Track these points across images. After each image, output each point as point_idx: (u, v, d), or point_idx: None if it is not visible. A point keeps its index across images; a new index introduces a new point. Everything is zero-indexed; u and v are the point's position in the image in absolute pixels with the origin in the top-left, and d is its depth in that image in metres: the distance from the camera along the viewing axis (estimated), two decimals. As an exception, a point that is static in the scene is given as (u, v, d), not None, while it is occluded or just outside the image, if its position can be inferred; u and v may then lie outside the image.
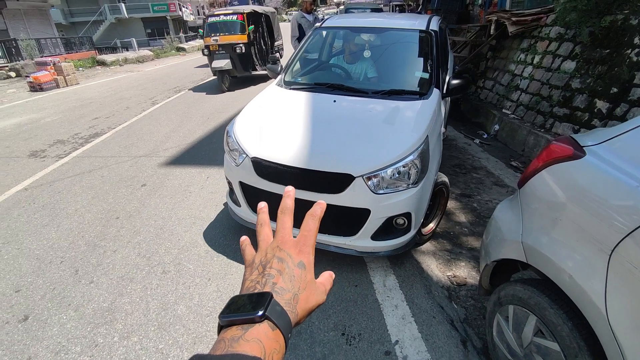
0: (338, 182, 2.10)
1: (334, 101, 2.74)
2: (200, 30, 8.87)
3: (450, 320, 2.05)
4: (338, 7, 26.77)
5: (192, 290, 2.29)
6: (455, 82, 2.98)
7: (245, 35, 8.12)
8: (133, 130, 5.42)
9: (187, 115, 6.44)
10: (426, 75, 3.00)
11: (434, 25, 3.44)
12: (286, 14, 56.70)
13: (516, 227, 1.52)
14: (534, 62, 5.09)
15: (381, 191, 2.10)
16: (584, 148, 1.29)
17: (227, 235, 2.85)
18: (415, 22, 3.48)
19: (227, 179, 2.60)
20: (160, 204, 3.35)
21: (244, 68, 8.42)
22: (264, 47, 9.16)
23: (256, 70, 8.75)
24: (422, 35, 3.33)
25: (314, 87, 3.01)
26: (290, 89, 3.03)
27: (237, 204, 2.55)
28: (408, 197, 2.13)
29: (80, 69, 14.18)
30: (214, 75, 8.55)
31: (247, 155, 2.31)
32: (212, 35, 8.10)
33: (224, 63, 7.87)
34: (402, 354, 1.84)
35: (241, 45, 7.96)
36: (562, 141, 1.40)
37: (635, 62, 3.61)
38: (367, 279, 2.36)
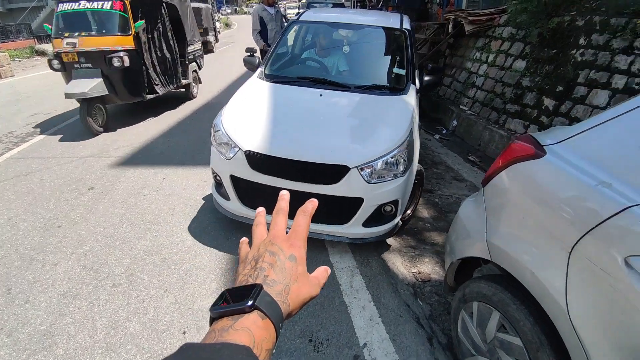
0: (334, 173, 2.22)
1: (321, 95, 2.82)
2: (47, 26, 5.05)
3: (416, 317, 2.06)
4: (300, 1, 26.41)
5: (146, 303, 2.11)
6: (428, 78, 3.20)
7: (130, 37, 4.76)
8: (79, 128, 4.94)
9: (141, 115, 6.02)
10: (403, 72, 3.16)
11: (407, 24, 3.56)
12: (247, 7, 55.33)
13: (480, 226, 1.53)
14: (489, 60, 5.31)
15: (374, 181, 2.24)
16: (544, 147, 1.31)
17: (185, 241, 2.67)
18: (390, 20, 3.61)
19: (213, 172, 2.59)
20: (110, 209, 3.08)
21: (131, 91, 5.03)
22: (167, 56, 5.69)
23: (155, 92, 5.37)
24: (396, 33, 3.48)
25: (298, 81, 3.07)
26: (273, 82, 3.05)
27: (226, 197, 2.54)
28: (397, 185, 2.30)
29: (17, 59, 12.85)
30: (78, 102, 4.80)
31: (239, 148, 2.33)
32: (67, 35, 4.63)
33: (88, 86, 4.51)
34: (370, 356, 1.81)
35: (121, 54, 4.62)
36: (523, 140, 1.42)
37: (579, 62, 3.86)
38: (334, 281, 2.31)
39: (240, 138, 2.38)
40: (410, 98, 2.86)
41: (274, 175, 2.29)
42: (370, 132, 2.45)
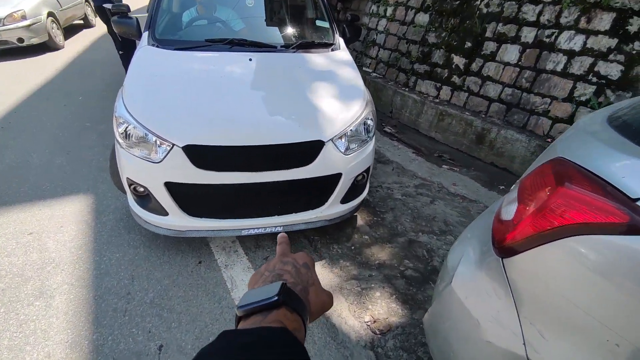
0: (306, 151, 1.89)
1: (250, 60, 2.31)
2: None
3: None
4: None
5: None
6: (348, 30, 2.95)
7: None
8: None
9: None
10: (326, 24, 2.89)
11: None
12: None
13: (508, 325, 0.90)
14: (387, 14, 4.74)
15: (349, 152, 2.00)
16: (637, 204, 0.68)
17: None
18: None
19: (131, 183, 1.90)
20: None
21: None
22: None
23: None
24: None
25: (207, 45, 2.42)
26: (175, 49, 2.34)
27: (161, 212, 1.91)
28: (370, 151, 2.13)
29: None
30: None
31: (172, 144, 1.74)
32: None
33: None
34: None
35: None
36: (586, 185, 0.78)
37: (485, 14, 3.52)
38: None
39: (170, 130, 1.77)
40: (346, 52, 2.68)
41: (229, 170, 1.79)
42: (329, 97, 2.13)
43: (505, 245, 0.97)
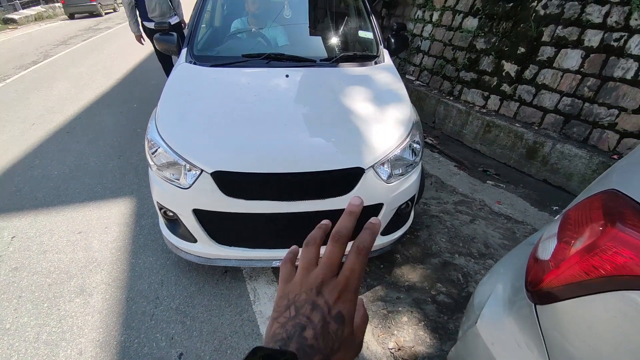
0: (344, 180, 1.72)
1: (287, 76, 2.18)
2: None
3: None
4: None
5: None
6: (394, 40, 2.66)
7: None
8: None
9: (0, 121, 4.44)
10: (370, 35, 2.69)
11: None
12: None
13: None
14: (433, 19, 4.55)
15: (392, 179, 1.80)
16: None
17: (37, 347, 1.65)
18: None
19: (162, 208, 1.86)
20: None
21: None
22: None
23: None
24: None
25: (245, 61, 2.34)
26: (211, 66, 2.29)
27: (190, 239, 1.85)
28: (416, 178, 1.92)
29: None
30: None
31: (201, 170, 1.65)
32: None
33: None
34: None
35: None
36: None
37: (542, 16, 3.23)
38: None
39: (199, 154, 1.69)
40: (391, 66, 2.47)
41: (259, 199, 1.67)
42: (371, 118, 1.93)
43: (540, 289, 0.83)
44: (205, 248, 1.85)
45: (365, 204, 1.44)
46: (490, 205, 2.72)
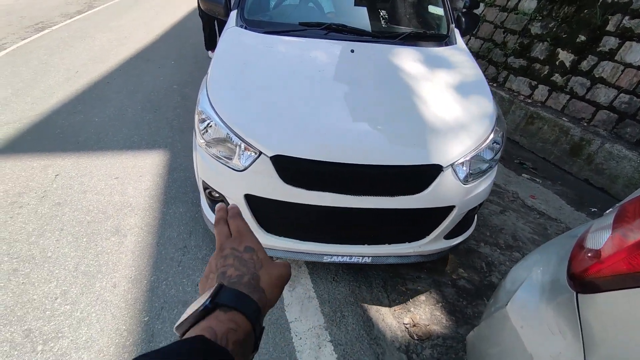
0: (419, 177, 1.54)
1: (352, 51, 1.98)
2: None
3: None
4: None
5: None
6: (465, 19, 2.42)
7: None
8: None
9: (45, 68, 4.61)
10: (441, 11, 2.42)
11: None
12: None
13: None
14: (487, -2, 4.27)
15: (469, 180, 1.60)
16: None
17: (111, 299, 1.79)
18: None
19: (206, 187, 1.71)
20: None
21: None
22: None
23: None
24: None
25: (302, 30, 2.12)
26: (265, 32, 2.09)
27: None
28: (491, 180, 1.73)
29: None
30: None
31: (260, 152, 1.48)
32: None
33: None
34: None
35: None
36: None
37: (609, 3, 2.96)
38: (292, 354, 1.56)
39: (258, 134, 1.50)
40: (465, 48, 2.22)
41: (322, 190, 1.49)
42: (450, 109, 1.71)
43: (585, 278, 0.81)
44: None
45: (435, 206, 1.52)
46: (523, 198, 2.63)
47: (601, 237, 0.83)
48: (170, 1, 8.58)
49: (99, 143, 2.96)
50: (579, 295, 0.81)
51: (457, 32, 2.33)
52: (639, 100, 2.70)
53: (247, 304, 0.36)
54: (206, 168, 1.65)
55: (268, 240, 1.67)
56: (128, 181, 2.53)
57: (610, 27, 2.95)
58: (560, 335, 0.83)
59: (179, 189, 2.47)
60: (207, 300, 0.34)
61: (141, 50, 5.36)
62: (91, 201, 2.32)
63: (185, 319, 0.34)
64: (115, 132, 3.13)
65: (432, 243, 1.72)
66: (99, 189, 2.43)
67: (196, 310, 0.33)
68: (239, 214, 0.49)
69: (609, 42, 2.94)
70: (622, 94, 2.81)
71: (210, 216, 1.78)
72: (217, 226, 0.47)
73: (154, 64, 4.81)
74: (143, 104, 3.69)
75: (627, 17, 2.84)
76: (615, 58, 2.89)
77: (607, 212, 0.97)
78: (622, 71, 2.83)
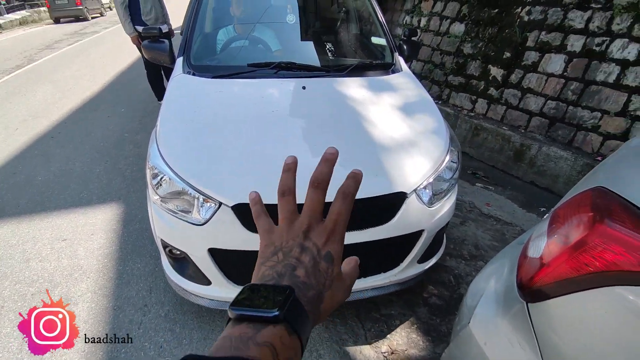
0: (386, 206, 1.54)
1: (304, 88, 1.96)
2: None
3: None
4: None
5: None
6: (407, 46, 2.51)
7: None
8: None
9: (-20, 128, 4.32)
10: (383, 41, 2.48)
11: None
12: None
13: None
14: (421, 25, 4.62)
15: (434, 202, 1.63)
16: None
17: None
18: None
19: (167, 247, 1.59)
20: None
21: None
22: None
23: None
24: None
25: (251, 71, 2.09)
26: (213, 77, 2.04)
27: (202, 281, 1.59)
28: (454, 198, 1.77)
29: None
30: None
31: (220, 203, 1.41)
32: None
33: None
34: None
35: None
36: (622, 220, 0.66)
37: (526, 22, 3.31)
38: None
39: (216, 184, 1.45)
40: (410, 74, 2.29)
41: None
42: (405, 135, 1.75)
43: (531, 287, 0.84)
44: (221, 291, 1.58)
45: (404, 233, 1.34)
46: (479, 207, 2.75)
47: (539, 244, 0.88)
48: (114, 51, 8.46)
49: (42, 204, 2.75)
50: (529, 304, 0.84)
51: (400, 59, 2.41)
52: (565, 105, 2.98)
53: (306, 329, 0.31)
54: (163, 225, 1.55)
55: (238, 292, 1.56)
56: (78, 242, 2.35)
57: (530, 43, 3.28)
58: (520, 348, 0.85)
59: (136, 243, 2.33)
60: (278, 311, 0.29)
61: (88, 101, 5.19)
62: (35, 270, 2.12)
63: (246, 312, 0.29)
64: (61, 190, 2.94)
65: (407, 269, 1.72)
66: (43, 255, 2.24)
67: (263, 313, 0.29)
68: (348, 193, 0.39)
69: (531, 56, 3.26)
70: (549, 101, 3.09)
71: (175, 278, 1.66)
72: (258, 220, 0.41)
73: (103, 113, 4.66)
74: (92, 155, 3.52)
75: (543, 32, 3.18)
76: (539, 69, 3.19)
77: (545, 217, 1.03)
78: (546, 81, 3.13)
